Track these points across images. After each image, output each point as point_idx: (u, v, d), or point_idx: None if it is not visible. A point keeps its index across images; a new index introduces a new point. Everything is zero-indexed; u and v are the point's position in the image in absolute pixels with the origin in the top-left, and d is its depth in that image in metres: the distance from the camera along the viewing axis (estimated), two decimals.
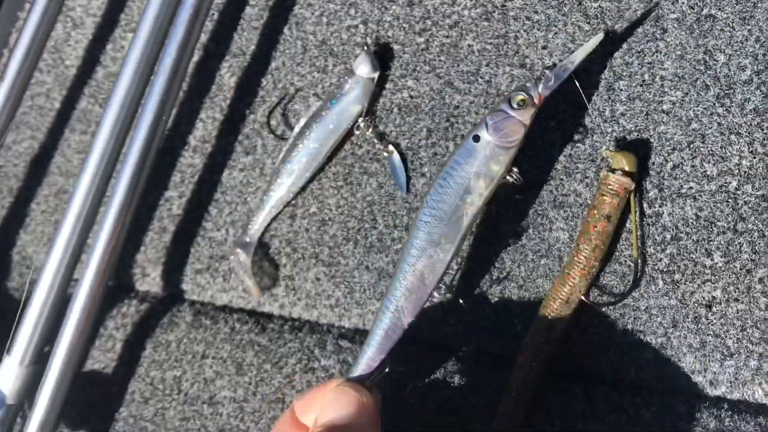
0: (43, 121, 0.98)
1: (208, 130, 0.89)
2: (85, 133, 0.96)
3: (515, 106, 0.66)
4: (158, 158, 0.89)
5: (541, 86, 0.66)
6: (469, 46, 0.78)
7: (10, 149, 0.99)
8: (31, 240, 0.96)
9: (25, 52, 0.90)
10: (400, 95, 0.80)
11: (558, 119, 0.73)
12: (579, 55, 0.67)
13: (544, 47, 0.75)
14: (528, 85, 0.67)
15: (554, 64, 0.68)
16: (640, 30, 0.72)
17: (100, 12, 0.99)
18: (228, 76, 0.89)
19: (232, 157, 0.87)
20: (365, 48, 0.79)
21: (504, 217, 0.74)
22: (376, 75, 0.79)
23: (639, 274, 0.69)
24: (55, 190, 0.96)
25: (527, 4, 0.77)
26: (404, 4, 0.82)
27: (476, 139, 0.66)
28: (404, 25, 0.81)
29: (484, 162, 0.65)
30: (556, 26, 0.75)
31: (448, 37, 0.79)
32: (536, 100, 0.66)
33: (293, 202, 0.82)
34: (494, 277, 0.73)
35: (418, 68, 0.80)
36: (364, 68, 0.78)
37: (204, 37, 0.91)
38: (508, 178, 0.67)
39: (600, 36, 0.67)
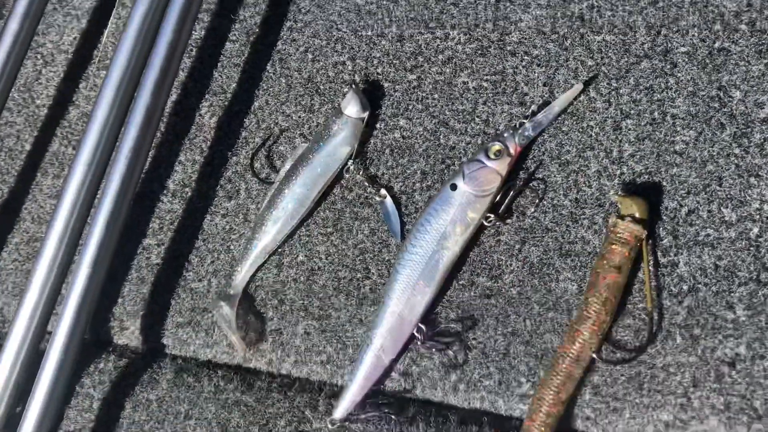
0: (13, 164, 0.93)
1: (188, 174, 0.83)
2: (58, 177, 0.90)
3: (492, 156, 0.67)
4: (135, 204, 0.83)
5: (517, 137, 0.67)
6: (464, 83, 0.74)
7: None
8: (0, 291, 0.90)
9: None
10: (391, 135, 0.75)
11: (562, 161, 0.68)
12: (557, 106, 0.68)
13: (545, 84, 0.70)
14: (505, 135, 0.67)
15: (533, 112, 0.68)
16: (647, 65, 0.67)
17: (71, 48, 0.94)
18: (208, 116, 0.84)
19: (213, 202, 0.81)
20: (353, 86, 0.75)
21: (507, 267, 0.68)
22: (365, 114, 0.74)
23: (654, 328, 0.64)
24: (26, 238, 0.90)
25: (525, 39, 0.72)
26: (394, 39, 0.77)
27: (453, 187, 0.68)
28: (394, 62, 0.76)
29: (461, 210, 0.67)
30: (557, 61, 0.70)
31: (441, 73, 0.74)
32: (513, 151, 0.67)
33: (280, 250, 0.77)
34: (498, 332, 0.68)
35: (410, 107, 0.75)
36: (353, 107, 0.73)
37: (182, 75, 0.86)
38: (485, 223, 0.68)
39: (579, 87, 0.68)
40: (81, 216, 0.77)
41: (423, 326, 0.68)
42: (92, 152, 0.77)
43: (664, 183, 0.65)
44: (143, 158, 0.77)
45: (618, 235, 0.62)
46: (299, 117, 0.80)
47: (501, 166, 0.67)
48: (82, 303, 0.75)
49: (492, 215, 0.68)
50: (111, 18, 0.90)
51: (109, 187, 0.76)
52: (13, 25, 0.84)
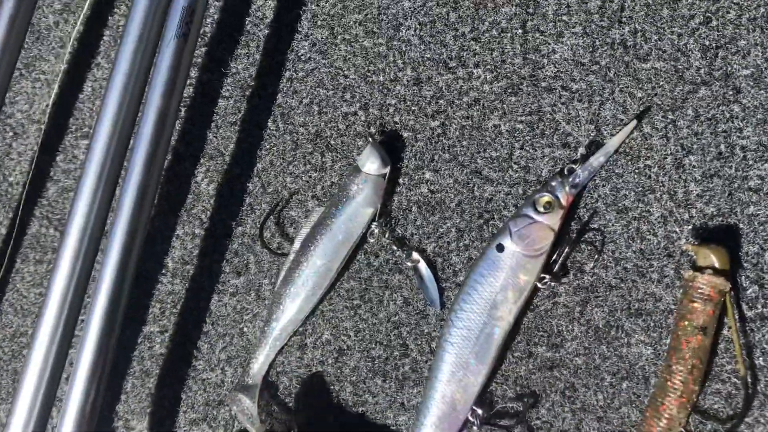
0: None
1: (188, 249, 0.74)
2: (41, 263, 0.80)
3: (540, 209, 0.59)
4: (132, 286, 0.74)
5: (568, 185, 0.59)
6: (495, 126, 0.65)
7: None
8: None
9: None
10: (418, 191, 0.67)
11: (619, 207, 0.60)
12: (611, 146, 0.60)
13: (589, 121, 0.63)
14: (553, 183, 0.59)
15: (582, 156, 0.61)
16: (707, 92, 0.60)
17: (44, 117, 0.85)
18: (205, 183, 0.75)
19: (220, 279, 0.72)
20: (371, 139, 0.66)
21: (569, 333, 0.60)
22: (387, 170, 0.65)
23: (750, 392, 0.56)
24: (10, 333, 0.80)
25: (562, 72, 0.64)
26: (410, 83, 0.69)
27: (500, 248, 0.60)
28: (413, 108, 0.68)
29: (511, 273, 0.59)
30: (601, 95, 0.63)
31: (468, 117, 0.66)
32: (564, 201, 0.59)
33: (302, 329, 0.68)
34: (566, 408, 0.59)
35: (436, 157, 0.67)
36: (372, 163, 0.65)
37: (171, 138, 0.77)
38: (539, 285, 0.60)
39: (633, 124, 0.60)
40: (73, 307, 0.68)
41: (478, 409, 0.60)
42: (80, 235, 0.68)
43: (741, 225, 0.58)
44: (140, 238, 0.68)
45: (699, 291, 0.54)
46: (310, 177, 0.71)
47: (552, 220, 0.59)
48: (83, 404, 0.66)
49: (546, 276, 0.60)
50: (86, 82, 0.81)
51: (103, 272, 0.67)
52: None
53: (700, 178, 0.59)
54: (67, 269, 0.68)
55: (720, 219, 0.58)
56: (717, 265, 0.55)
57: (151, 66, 0.69)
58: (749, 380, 0.55)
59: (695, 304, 0.54)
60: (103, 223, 0.68)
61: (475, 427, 0.60)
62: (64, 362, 0.68)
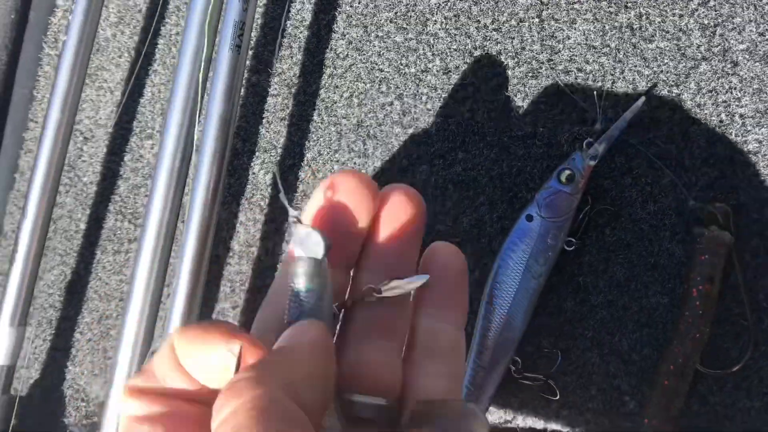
0: (71, 244, 0.93)
1: (251, 233, 0.83)
2: (119, 252, 0.90)
3: (564, 180, 0.67)
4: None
5: (587, 158, 0.66)
6: (518, 107, 0.73)
7: (42, 279, 0.94)
8: (80, 372, 0.91)
9: (45, 174, 0.85)
10: (452, 170, 0.75)
11: (633, 174, 0.68)
12: (622, 122, 0.67)
13: (603, 99, 0.70)
14: (574, 157, 0.66)
15: (598, 131, 0.68)
16: (707, 67, 0.67)
17: (109, 122, 0.94)
18: (262, 174, 0.84)
19: (280, 259, 0.81)
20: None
21: (594, 288, 0.68)
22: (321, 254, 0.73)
23: (755, 332, 0.63)
24: (97, 317, 0.91)
25: (576, 56, 0.71)
26: (439, 72, 0.76)
27: (529, 218, 0.68)
28: (444, 95, 0.76)
29: (540, 239, 0.67)
30: (612, 75, 0.70)
31: (493, 101, 0.74)
32: (584, 172, 0.66)
33: None
34: (595, 353, 0.68)
35: (467, 139, 0.75)
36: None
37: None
38: (566, 248, 0.67)
39: (642, 100, 0.67)
40: (156, 295, 0.78)
41: (517, 358, 0.68)
42: (157, 227, 0.77)
43: (742, 184, 0.65)
44: (213, 227, 0.77)
45: (706, 244, 0.62)
46: (354, 163, 0.79)
47: (575, 190, 0.66)
48: None
49: (572, 239, 0.67)
50: (145, 87, 0.90)
51: (182, 259, 0.76)
52: (56, 106, 0.84)
53: (704, 144, 0.66)
54: (148, 260, 0.77)
55: (723, 180, 0.65)
56: (721, 220, 0.62)
57: (207, 74, 0.77)
58: (754, 321, 0.63)
59: (703, 257, 0.62)
60: (176, 217, 0.78)
61: (515, 375, 0.68)
62: (151, 340, 0.78)
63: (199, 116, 0.77)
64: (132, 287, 0.77)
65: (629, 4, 0.70)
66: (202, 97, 0.77)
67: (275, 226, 0.82)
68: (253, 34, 0.86)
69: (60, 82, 0.85)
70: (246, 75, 0.85)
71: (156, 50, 0.92)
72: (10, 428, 0.84)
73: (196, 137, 0.77)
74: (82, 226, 0.93)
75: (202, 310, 0.83)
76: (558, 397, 0.68)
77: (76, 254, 0.93)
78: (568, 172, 0.66)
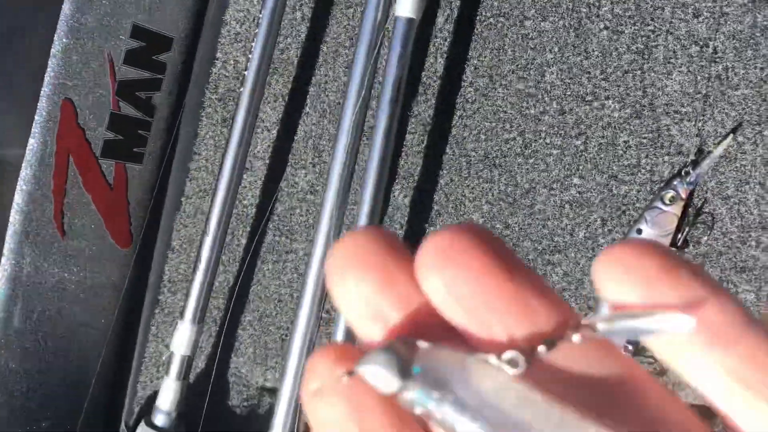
0: (233, 255, 1.12)
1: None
2: (277, 262, 1.09)
3: (667, 202, 0.82)
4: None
5: (686, 183, 0.82)
6: (624, 142, 0.90)
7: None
8: (243, 362, 1.09)
9: (222, 199, 1.04)
10: (568, 193, 0.91)
11: (723, 196, 0.84)
12: (715, 156, 0.82)
13: (696, 135, 0.86)
14: (675, 183, 0.82)
15: (693, 162, 0.83)
16: None
17: (267, 155, 1.13)
18: (401, 197, 1.02)
19: None
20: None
21: None
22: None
23: None
24: (258, 315, 1.09)
25: (673, 101, 0.88)
26: (556, 113, 0.93)
27: (639, 232, 0.83)
28: (560, 132, 0.93)
29: None
30: (704, 116, 0.86)
31: (603, 137, 0.91)
32: (683, 195, 0.82)
33: None
34: None
35: (580, 167, 0.91)
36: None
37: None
38: None
39: (729, 138, 0.83)
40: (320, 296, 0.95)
41: None
42: (324, 241, 0.95)
43: None
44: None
45: None
46: (482, 188, 0.97)
47: (676, 209, 0.82)
48: None
49: (674, 249, 0.83)
50: (299, 127, 1.09)
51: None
52: (233, 143, 1.03)
53: None
54: (316, 270, 0.95)
55: None
56: None
57: (364, 122, 0.95)
58: None
59: None
60: (339, 231, 0.95)
61: None
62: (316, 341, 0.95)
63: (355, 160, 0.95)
64: (302, 293, 0.95)
65: (717, 59, 0.86)
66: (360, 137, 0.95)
67: (410, 247, 0.99)
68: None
69: (237, 123, 1.04)
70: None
71: (308, 96, 1.11)
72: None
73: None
74: (244, 240, 1.12)
75: None
76: None
77: (237, 264, 1.12)
78: (671, 194, 0.82)
